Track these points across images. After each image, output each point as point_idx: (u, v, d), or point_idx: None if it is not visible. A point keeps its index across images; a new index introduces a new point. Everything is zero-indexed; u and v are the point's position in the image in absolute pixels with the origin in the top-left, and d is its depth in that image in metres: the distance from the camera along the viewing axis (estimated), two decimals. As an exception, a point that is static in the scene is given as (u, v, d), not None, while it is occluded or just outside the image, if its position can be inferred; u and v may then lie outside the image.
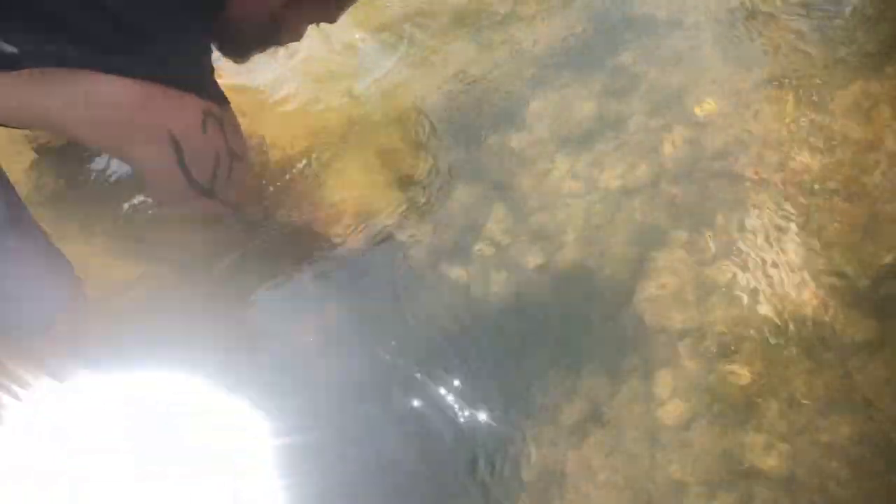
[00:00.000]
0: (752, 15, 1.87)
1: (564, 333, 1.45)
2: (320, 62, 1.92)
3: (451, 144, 1.74)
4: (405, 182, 1.68)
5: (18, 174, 1.61)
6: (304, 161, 1.70)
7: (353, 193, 1.67)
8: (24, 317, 1.22)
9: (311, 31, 1.44)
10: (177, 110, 1.15)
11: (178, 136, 1.15)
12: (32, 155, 1.67)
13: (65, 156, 1.67)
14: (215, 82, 1.26)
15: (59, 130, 1.21)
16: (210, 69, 1.27)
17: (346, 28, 1.92)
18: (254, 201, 1.54)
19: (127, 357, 1.37)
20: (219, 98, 1.24)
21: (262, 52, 1.42)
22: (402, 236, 1.60)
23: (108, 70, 1.07)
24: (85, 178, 1.64)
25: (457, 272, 1.54)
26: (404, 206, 1.65)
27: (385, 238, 1.60)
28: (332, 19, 1.40)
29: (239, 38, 1.34)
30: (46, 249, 1.27)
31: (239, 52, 1.39)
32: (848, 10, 1.82)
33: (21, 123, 1.20)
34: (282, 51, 1.70)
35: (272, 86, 1.84)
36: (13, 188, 1.25)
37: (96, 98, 1.09)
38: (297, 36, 1.41)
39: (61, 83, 1.07)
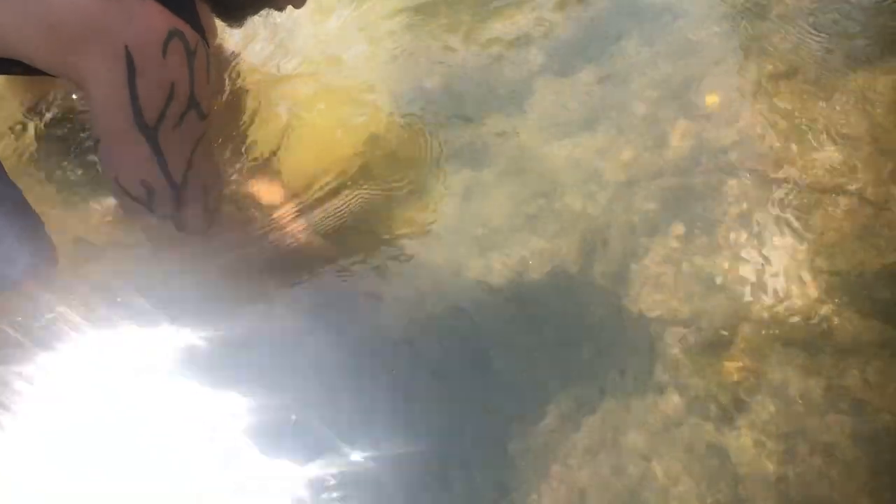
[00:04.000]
0: (758, 8, 1.83)
1: (559, 320, 1.42)
2: (319, 45, 1.88)
3: (450, 128, 1.70)
4: (401, 165, 1.64)
5: (3, 136, 1.58)
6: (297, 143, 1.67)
7: (346, 174, 1.63)
8: (-4, 273, 1.19)
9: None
10: (137, 19, 1.03)
11: (134, 50, 1.02)
12: (20, 119, 1.64)
13: (54, 125, 1.63)
14: (198, 15, 1.13)
15: (11, 43, 1.03)
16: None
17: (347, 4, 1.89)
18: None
19: (94, 320, 1.33)
20: (196, 27, 1.11)
21: (255, 13, 1.35)
22: (396, 219, 1.57)
23: None
24: (70, 146, 1.61)
25: (452, 256, 1.51)
26: (400, 190, 1.61)
27: (379, 220, 1.57)
28: None
29: None
30: (22, 208, 1.24)
31: (232, 13, 1.33)
32: (855, 4, 1.79)
33: None
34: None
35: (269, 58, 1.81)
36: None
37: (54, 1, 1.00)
38: (298, 2, 1.36)
39: None
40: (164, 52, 1.05)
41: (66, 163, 1.57)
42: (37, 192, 1.39)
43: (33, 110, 1.62)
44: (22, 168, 1.55)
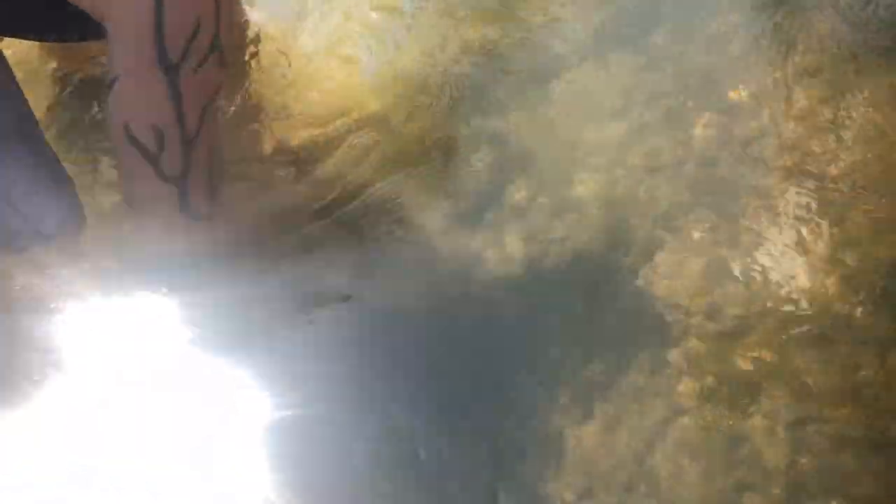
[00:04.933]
0: (787, 3, 1.83)
1: (579, 304, 1.42)
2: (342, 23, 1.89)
3: (475, 111, 1.70)
4: (424, 147, 1.65)
5: (39, 101, 1.60)
6: (315, 126, 1.68)
7: (368, 157, 1.64)
8: (27, 226, 1.20)
9: None
10: None
11: None
12: (55, 87, 1.66)
13: (87, 89, 1.65)
14: None
15: None
16: None
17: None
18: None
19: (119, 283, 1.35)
20: None
21: None
22: (417, 202, 1.58)
23: None
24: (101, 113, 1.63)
25: (473, 239, 1.51)
26: (422, 172, 1.62)
27: (399, 202, 1.57)
28: None
29: None
30: (54, 165, 1.26)
31: None
32: (887, 4, 1.78)
33: None
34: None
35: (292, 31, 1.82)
36: (28, 104, 1.24)
37: None
38: None
39: None
40: None
41: (94, 132, 1.60)
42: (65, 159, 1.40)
43: (66, 80, 1.65)
44: (53, 135, 1.58)
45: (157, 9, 1.04)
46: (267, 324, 1.41)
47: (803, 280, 1.40)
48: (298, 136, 1.67)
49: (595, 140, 1.63)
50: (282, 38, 1.80)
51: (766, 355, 1.33)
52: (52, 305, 1.32)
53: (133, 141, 1.13)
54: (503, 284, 1.46)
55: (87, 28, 1.10)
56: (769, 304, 1.38)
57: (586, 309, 1.42)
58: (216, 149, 1.25)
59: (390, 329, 1.41)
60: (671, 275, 1.44)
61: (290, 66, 1.77)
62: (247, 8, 1.74)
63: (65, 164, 1.30)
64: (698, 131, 1.62)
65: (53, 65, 1.62)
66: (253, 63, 1.74)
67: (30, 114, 1.24)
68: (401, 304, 1.44)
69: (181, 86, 1.10)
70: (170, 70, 1.08)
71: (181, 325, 1.37)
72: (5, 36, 1.29)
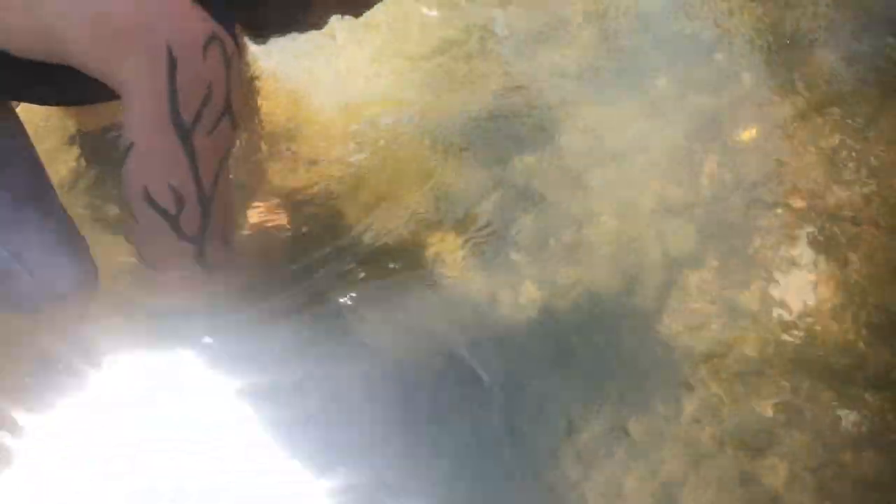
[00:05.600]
0: (791, 41, 1.85)
1: (592, 350, 1.42)
2: (352, 71, 1.91)
3: (483, 158, 1.71)
4: (433, 194, 1.66)
5: (54, 157, 1.62)
6: (329, 173, 1.69)
7: (378, 204, 1.64)
8: (40, 287, 1.21)
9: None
10: (180, 20, 1.06)
11: (176, 49, 1.05)
12: (69, 142, 1.68)
13: (103, 145, 1.67)
14: (233, 23, 1.15)
15: (57, 42, 1.04)
16: (231, 5, 1.15)
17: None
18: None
19: (131, 341, 1.36)
20: (233, 35, 1.13)
21: (282, 35, 1.38)
22: (429, 248, 1.58)
23: None
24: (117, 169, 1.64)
25: (485, 283, 1.51)
26: (431, 219, 1.62)
27: (410, 249, 1.57)
28: (358, 13, 1.37)
29: (262, 16, 1.29)
30: (67, 226, 1.27)
31: (260, 31, 1.36)
32: (890, 40, 1.79)
33: (19, 40, 1.07)
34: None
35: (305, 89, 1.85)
36: (42, 166, 1.26)
37: None
38: (320, 25, 1.37)
39: None
40: (204, 53, 1.07)
41: (107, 190, 1.61)
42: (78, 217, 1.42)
43: (80, 136, 1.67)
44: (66, 193, 1.59)
45: (170, 76, 1.06)
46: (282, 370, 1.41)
47: (817, 321, 1.40)
48: (301, 177, 1.68)
49: (604, 183, 1.64)
50: (289, 84, 1.83)
51: (784, 398, 1.32)
52: (67, 363, 1.33)
53: (152, 203, 1.15)
54: (517, 329, 1.46)
55: (102, 92, 1.12)
56: (784, 347, 1.37)
57: (602, 354, 1.41)
58: (231, 204, 1.28)
59: (401, 377, 1.41)
60: (685, 318, 1.43)
61: (294, 111, 1.79)
62: (256, 55, 1.77)
63: (78, 219, 1.32)
64: (706, 173, 1.63)
65: (68, 121, 1.65)
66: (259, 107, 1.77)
67: (43, 174, 1.26)
68: (412, 350, 1.44)
69: (196, 148, 1.12)
70: (185, 134, 1.11)
71: (199, 375, 1.37)
72: (23, 101, 1.32)
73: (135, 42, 1.05)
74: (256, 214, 1.58)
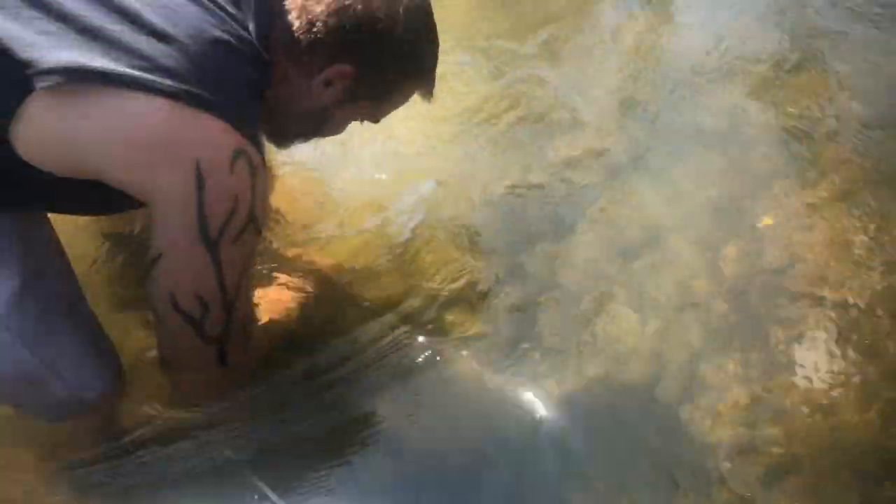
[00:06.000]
0: (808, 129, 1.87)
1: (617, 446, 1.41)
2: (366, 160, 1.94)
3: (500, 248, 1.73)
4: (451, 289, 1.65)
5: (84, 258, 1.66)
6: (343, 269, 1.71)
7: (393, 297, 1.65)
8: (72, 395, 1.24)
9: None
10: (208, 137, 1.10)
11: (204, 166, 1.09)
12: (100, 245, 1.73)
13: (129, 247, 1.72)
14: (258, 135, 1.20)
15: (90, 160, 1.09)
16: (256, 117, 1.21)
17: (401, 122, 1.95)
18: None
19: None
20: (259, 148, 1.17)
21: (304, 141, 1.42)
22: (447, 344, 1.57)
23: (149, 89, 1.04)
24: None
25: (506, 379, 1.51)
26: (450, 313, 1.62)
27: (428, 346, 1.56)
28: (376, 119, 1.41)
29: (284, 124, 1.34)
30: (97, 333, 1.31)
31: (282, 138, 1.40)
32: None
33: (54, 159, 1.12)
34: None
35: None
36: (74, 275, 1.30)
37: (131, 115, 1.06)
38: (340, 130, 1.42)
39: (96, 101, 1.05)
40: (231, 170, 1.11)
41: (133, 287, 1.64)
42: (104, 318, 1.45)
43: (109, 238, 1.72)
44: (94, 293, 1.63)
45: (198, 192, 1.10)
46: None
47: (842, 414, 1.38)
48: (321, 264, 1.70)
49: (624, 274, 1.65)
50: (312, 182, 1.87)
51: (814, 494, 1.30)
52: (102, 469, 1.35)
53: (178, 309, 1.20)
54: (540, 426, 1.44)
55: (131, 203, 1.16)
56: (810, 441, 1.36)
57: (627, 451, 1.40)
58: (251, 302, 1.33)
59: (424, 476, 1.40)
60: (710, 412, 1.42)
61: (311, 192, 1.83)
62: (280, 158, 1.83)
63: (106, 319, 1.36)
64: (727, 262, 1.64)
65: (99, 225, 1.70)
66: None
67: (75, 283, 1.29)
68: (435, 449, 1.43)
69: (222, 258, 1.17)
70: (211, 245, 1.15)
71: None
72: (57, 213, 1.37)
73: (164, 160, 1.09)
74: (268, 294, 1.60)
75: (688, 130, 1.94)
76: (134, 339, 1.53)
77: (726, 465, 1.35)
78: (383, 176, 1.89)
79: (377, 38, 1.22)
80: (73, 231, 1.65)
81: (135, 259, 1.65)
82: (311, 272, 1.66)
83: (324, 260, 1.70)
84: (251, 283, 1.33)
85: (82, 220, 1.69)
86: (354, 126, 1.42)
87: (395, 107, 1.39)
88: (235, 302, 1.22)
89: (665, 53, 2.20)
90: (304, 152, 1.79)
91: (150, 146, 1.09)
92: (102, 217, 1.66)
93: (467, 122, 2.01)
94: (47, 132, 1.07)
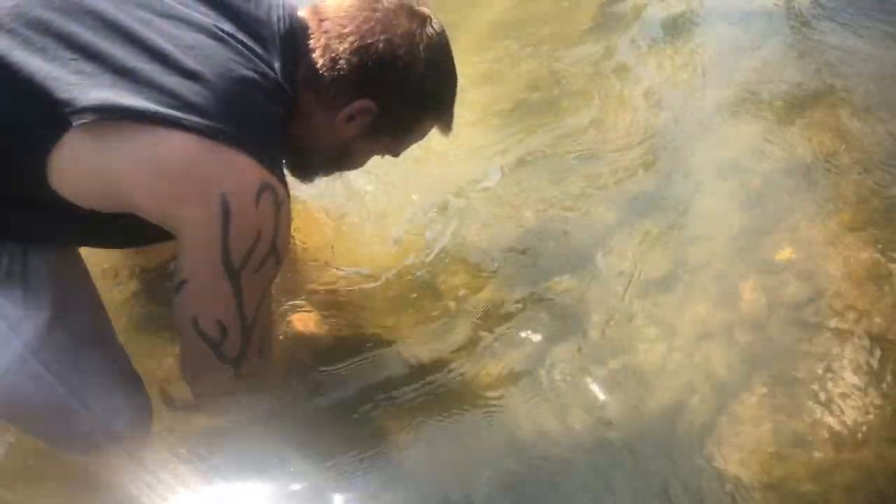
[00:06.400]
0: (827, 160, 1.88)
1: (641, 481, 1.40)
2: (388, 193, 1.97)
3: (520, 281, 1.74)
4: (472, 320, 1.66)
5: (114, 293, 1.68)
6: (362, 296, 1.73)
7: (409, 325, 1.67)
8: (99, 427, 1.26)
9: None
10: (236, 171, 1.13)
11: (230, 199, 1.12)
12: (131, 278, 1.75)
13: (158, 281, 1.75)
14: (282, 170, 1.25)
15: (122, 193, 1.14)
16: (281, 150, 1.25)
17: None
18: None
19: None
20: (283, 181, 1.21)
21: (326, 175, 1.47)
22: (466, 371, 1.58)
23: (179, 126, 1.09)
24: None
25: (532, 413, 1.50)
26: (471, 342, 1.62)
27: (448, 373, 1.57)
28: (396, 153, 1.45)
29: (308, 158, 1.38)
30: (125, 365, 1.33)
31: (305, 171, 1.44)
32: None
33: (88, 193, 1.15)
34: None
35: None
36: (103, 307, 1.32)
37: (162, 150, 1.10)
38: (361, 164, 1.46)
39: (129, 137, 1.09)
40: (257, 203, 1.15)
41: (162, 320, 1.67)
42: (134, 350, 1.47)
43: (141, 274, 1.75)
44: (126, 324, 1.65)
45: (223, 225, 1.14)
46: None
47: (871, 449, 1.37)
48: (336, 291, 1.72)
49: (646, 308, 1.65)
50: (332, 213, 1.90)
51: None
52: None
53: (199, 332, 1.24)
54: (564, 459, 1.44)
55: (160, 235, 1.20)
56: (837, 478, 1.34)
57: (652, 486, 1.39)
58: (269, 327, 1.36)
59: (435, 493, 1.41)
60: (735, 445, 1.41)
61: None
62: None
63: (133, 352, 1.38)
64: (747, 296, 1.63)
65: (129, 261, 1.73)
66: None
67: (104, 316, 1.32)
68: (455, 482, 1.43)
69: (243, 287, 1.20)
70: (233, 274, 1.19)
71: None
72: (89, 247, 1.40)
73: (192, 193, 1.13)
74: (296, 321, 1.64)
75: (708, 164, 1.95)
76: (163, 369, 1.56)
77: (753, 499, 1.34)
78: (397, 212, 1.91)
79: (399, 75, 1.27)
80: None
81: (159, 285, 1.69)
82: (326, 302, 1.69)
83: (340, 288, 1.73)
84: (270, 311, 1.36)
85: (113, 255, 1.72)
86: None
87: (415, 141, 1.43)
88: (253, 327, 1.26)
89: (684, 88, 2.22)
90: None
91: (179, 179, 1.12)
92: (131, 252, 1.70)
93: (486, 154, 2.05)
94: (82, 166, 1.11)
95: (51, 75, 1.07)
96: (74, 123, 1.06)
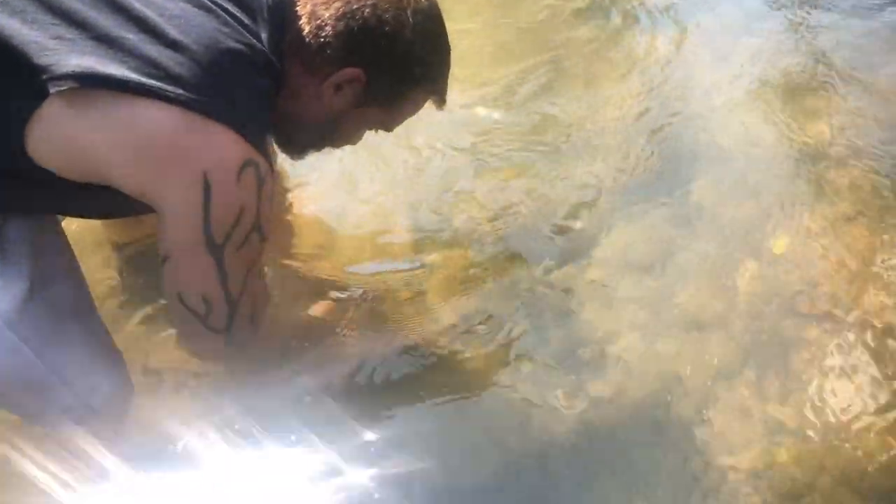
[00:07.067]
0: (821, 150, 1.87)
1: (628, 466, 1.39)
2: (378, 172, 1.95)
3: (510, 269, 1.72)
4: (463, 305, 1.65)
5: (99, 268, 1.66)
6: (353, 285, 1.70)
7: (404, 315, 1.65)
8: (78, 402, 1.23)
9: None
10: (217, 147, 1.10)
11: (212, 176, 1.10)
12: (114, 254, 1.72)
13: (141, 258, 1.72)
14: (267, 145, 1.22)
15: (101, 165, 1.10)
16: (266, 125, 1.22)
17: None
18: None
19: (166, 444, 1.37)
20: (267, 157, 1.18)
21: (318, 151, 1.42)
22: (458, 356, 1.56)
23: (160, 97, 1.05)
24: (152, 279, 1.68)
25: (516, 395, 1.50)
26: (461, 330, 1.61)
27: (439, 358, 1.56)
28: (390, 127, 1.41)
29: (297, 133, 1.34)
30: (106, 341, 1.30)
31: (295, 147, 1.40)
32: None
33: (67, 163, 1.12)
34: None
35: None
36: (85, 282, 1.29)
37: (141, 122, 1.06)
38: (354, 140, 1.42)
39: (108, 108, 1.05)
40: (238, 179, 1.12)
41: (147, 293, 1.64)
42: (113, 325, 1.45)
43: (124, 249, 1.72)
44: (103, 299, 1.62)
45: (204, 201, 1.11)
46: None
47: (862, 437, 1.36)
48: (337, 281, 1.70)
49: (637, 294, 1.63)
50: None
51: (828, 521, 1.28)
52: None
53: (185, 305, 1.22)
54: (548, 442, 1.43)
55: (139, 206, 1.17)
56: (828, 464, 1.34)
57: (638, 470, 1.38)
58: (260, 296, 1.33)
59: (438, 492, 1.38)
60: (725, 433, 1.40)
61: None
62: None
63: (116, 326, 1.37)
64: (741, 284, 1.62)
65: (114, 236, 1.70)
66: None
67: (85, 290, 1.29)
68: (443, 462, 1.41)
69: (226, 262, 1.18)
70: (215, 250, 1.16)
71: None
72: (67, 215, 1.37)
73: (172, 168, 1.10)
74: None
75: (703, 152, 1.93)
76: (142, 344, 1.53)
77: (742, 488, 1.33)
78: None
79: (385, 41, 1.22)
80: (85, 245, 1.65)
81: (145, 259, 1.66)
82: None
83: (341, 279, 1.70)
84: (260, 281, 1.34)
85: (96, 229, 1.69)
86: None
87: (408, 115, 1.39)
88: (239, 302, 1.25)
89: (679, 76, 2.20)
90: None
91: (159, 154, 1.09)
92: (113, 225, 1.66)
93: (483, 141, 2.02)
94: (60, 136, 1.08)
95: (29, 39, 1.03)
96: (52, 90, 1.02)
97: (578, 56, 2.29)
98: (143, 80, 1.05)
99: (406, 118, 1.40)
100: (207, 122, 1.09)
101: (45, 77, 1.02)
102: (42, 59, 1.03)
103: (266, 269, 1.60)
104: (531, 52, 2.29)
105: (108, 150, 1.09)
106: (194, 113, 1.07)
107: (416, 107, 1.37)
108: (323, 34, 1.21)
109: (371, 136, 1.43)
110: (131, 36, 1.07)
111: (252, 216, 1.17)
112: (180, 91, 1.06)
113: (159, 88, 1.05)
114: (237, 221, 1.16)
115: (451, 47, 1.32)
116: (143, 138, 1.08)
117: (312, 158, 1.45)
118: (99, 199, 1.18)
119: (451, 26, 1.30)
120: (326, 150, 1.43)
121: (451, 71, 1.33)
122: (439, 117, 1.48)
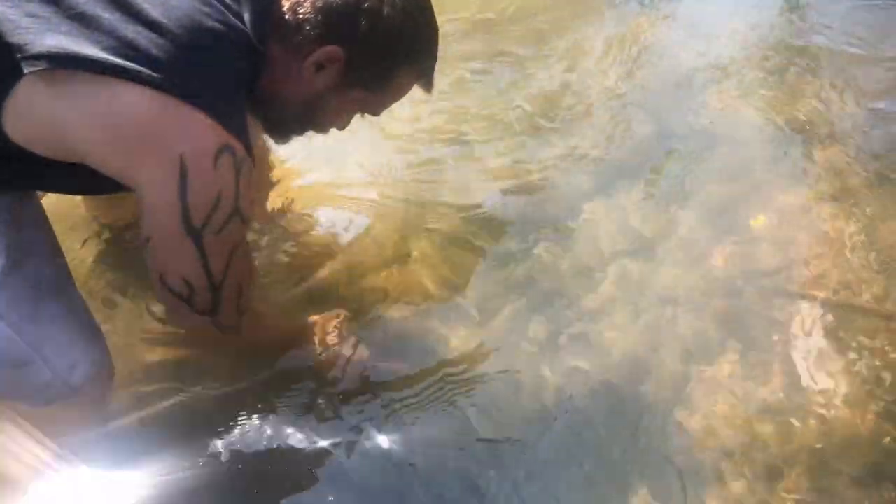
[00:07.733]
0: (804, 130, 1.87)
1: (609, 444, 1.39)
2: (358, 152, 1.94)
3: (492, 249, 1.72)
4: (449, 285, 1.65)
5: (79, 245, 1.66)
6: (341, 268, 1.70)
7: (391, 295, 1.64)
8: (56, 379, 1.22)
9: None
10: (194, 132, 1.09)
11: (188, 160, 1.08)
12: (95, 233, 1.71)
13: (123, 236, 1.71)
14: (247, 130, 1.19)
15: (77, 146, 1.09)
16: (244, 110, 1.20)
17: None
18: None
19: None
20: (244, 142, 1.16)
21: (301, 134, 1.39)
22: (444, 339, 1.56)
23: (136, 80, 1.04)
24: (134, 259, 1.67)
25: (497, 372, 1.49)
26: (447, 310, 1.61)
27: (424, 337, 1.56)
28: (376, 112, 1.39)
29: (279, 115, 1.33)
30: (85, 318, 1.29)
31: (279, 130, 1.38)
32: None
33: (43, 142, 1.11)
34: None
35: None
36: (63, 258, 1.28)
37: (117, 105, 1.05)
38: (341, 124, 1.40)
39: (83, 89, 1.04)
40: (215, 165, 1.11)
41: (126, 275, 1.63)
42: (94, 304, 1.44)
43: (105, 228, 1.70)
44: (84, 278, 1.61)
45: (181, 186, 1.10)
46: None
47: (840, 414, 1.37)
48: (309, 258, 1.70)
49: (617, 273, 1.64)
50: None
51: (807, 497, 1.29)
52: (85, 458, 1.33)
53: (167, 287, 1.22)
54: (532, 419, 1.43)
55: (118, 185, 1.16)
56: (805, 440, 1.35)
57: (620, 448, 1.38)
58: (245, 280, 1.31)
59: (409, 467, 1.38)
60: (704, 411, 1.41)
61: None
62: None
63: (95, 301, 1.36)
64: (720, 262, 1.63)
65: (95, 213, 1.69)
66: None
67: (64, 266, 1.28)
68: (418, 439, 1.41)
69: (206, 246, 1.17)
70: (195, 234, 1.16)
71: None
72: (45, 191, 1.35)
73: (148, 151, 1.09)
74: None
75: (683, 131, 1.94)
76: (123, 322, 1.52)
77: (721, 465, 1.34)
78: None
79: (365, 18, 1.21)
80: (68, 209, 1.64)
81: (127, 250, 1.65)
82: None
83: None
84: (245, 263, 1.32)
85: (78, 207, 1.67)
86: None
87: (394, 98, 1.36)
88: (223, 285, 1.24)
89: (659, 55, 2.20)
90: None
91: (134, 137, 1.08)
92: (100, 202, 1.65)
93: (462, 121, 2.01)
94: (35, 116, 1.07)
95: (2, 17, 1.02)
96: (27, 71, 1.01)
97: (560, 34, 2.28)
98: (119, 61, 1.03)
99: (393, 102, 1.38)
100: (183, 106, 1.07)
101: (19, 56, 1.01)
102: (15, 38, 1.01)
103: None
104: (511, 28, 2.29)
105: (84, 132, 1.08)
106: (171, 96, 1.06)
107: (402, 90, 1.35)
108: (301, 10, 1.20)
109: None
110: (108, 15, 1.05)
111: (230, 201, 1.16)
112: (157, 74, 1.05)
113: (135, 70, 1.04)
114: (216, 206, 1.15)
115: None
116: (118, 121, 1.07)
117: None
118: (78, 177, 1.17)
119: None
120: (311, 133, 1.41)
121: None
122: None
